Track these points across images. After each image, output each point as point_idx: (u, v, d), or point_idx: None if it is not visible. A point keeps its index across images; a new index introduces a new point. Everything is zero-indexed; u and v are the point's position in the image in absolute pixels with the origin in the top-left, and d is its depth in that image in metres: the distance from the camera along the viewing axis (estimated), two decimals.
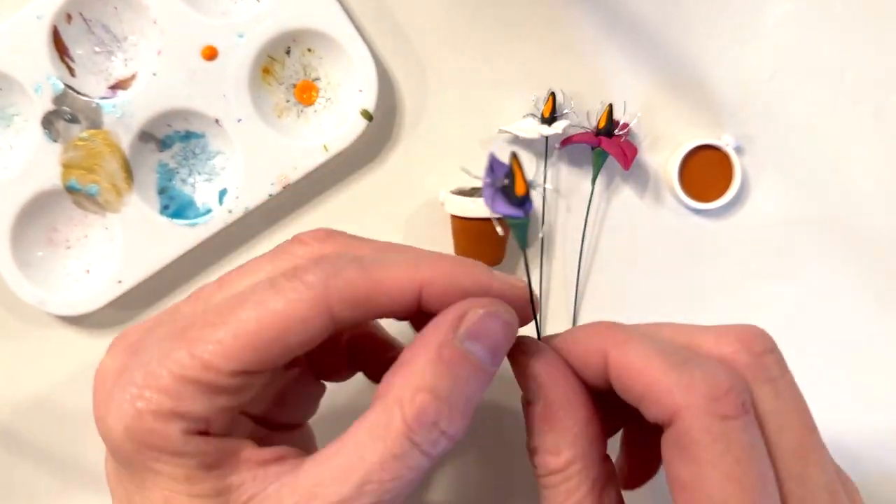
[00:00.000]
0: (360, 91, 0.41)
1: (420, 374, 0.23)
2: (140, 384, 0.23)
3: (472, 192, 0.41)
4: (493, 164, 0.24)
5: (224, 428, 0.24)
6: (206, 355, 0.23)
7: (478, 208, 0.39)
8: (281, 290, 0.23)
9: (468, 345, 0.23)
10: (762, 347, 0.25)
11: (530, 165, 0.43)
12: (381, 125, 0.43)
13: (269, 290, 0.23)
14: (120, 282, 0.41)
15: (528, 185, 0.23)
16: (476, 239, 0.40)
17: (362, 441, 0.22)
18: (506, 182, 0.23)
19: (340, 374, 0.33)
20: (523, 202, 0.23)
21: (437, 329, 0.24)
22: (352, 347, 0.32)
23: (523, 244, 0.25)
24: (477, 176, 0.24)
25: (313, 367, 0.32)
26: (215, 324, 0.23)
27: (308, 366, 0.32)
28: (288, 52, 0.42)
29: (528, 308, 0.27)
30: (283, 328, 0.23)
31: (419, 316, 0.26)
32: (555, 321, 0.43)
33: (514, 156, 0.23)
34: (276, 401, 0.30)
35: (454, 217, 0.40)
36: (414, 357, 0.23)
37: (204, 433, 0.24)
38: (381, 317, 0.25)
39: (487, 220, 0.39)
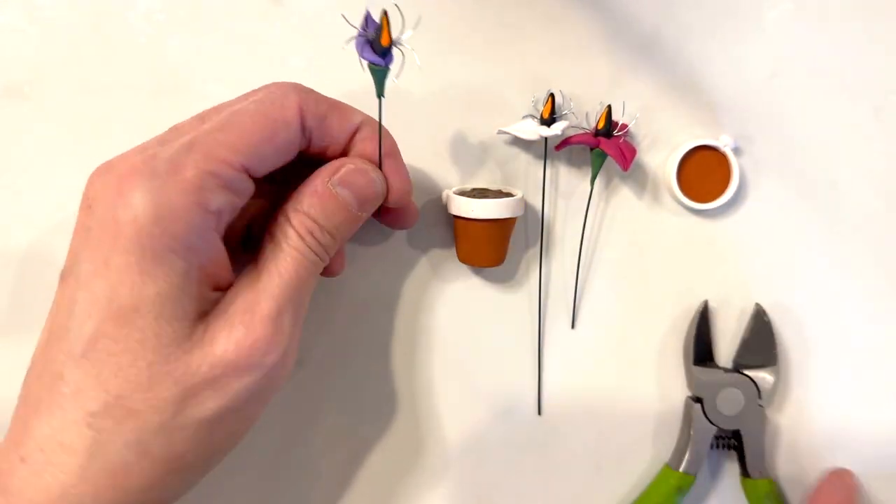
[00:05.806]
0: None
1: (301, 201, 0.31)
2: (166, 172, 0.26)
3: (475, 193, 0.41)
4: (368, 20, 0.29)
5: (221, 234, 0.29)
6: (221, 153, 0.28)
7: (480, 209, 0.39)
8: (267, 102, 0.30)
9: (339, 189, 0.31)
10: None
11: (530, 166, 0.43)
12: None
13: (258, 103, 0.29)
14: None
15: (392, 40, 0.29)
16: (478, 239, 0.40)
17: (267, 252, 0.30)
18: (375, 35, 0.29)
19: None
20: (385, 53, 0.29)
21: (319, 174, 0.32)
22: None
23: (380, 92, 0.31)
24: (354, 26, 0.29)
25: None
26: (223, 129, 0.28)
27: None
28: None
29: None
30: (273, 129, 0.29)
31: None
32: (555, 320, 0.44)
33: (385, 13, 0.29)
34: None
35: (456, 218, 0.40)
36: (301, 190, 0.31)
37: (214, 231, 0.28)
38: (310, 144, 0.32)
39: (490, 220, 0.39)
